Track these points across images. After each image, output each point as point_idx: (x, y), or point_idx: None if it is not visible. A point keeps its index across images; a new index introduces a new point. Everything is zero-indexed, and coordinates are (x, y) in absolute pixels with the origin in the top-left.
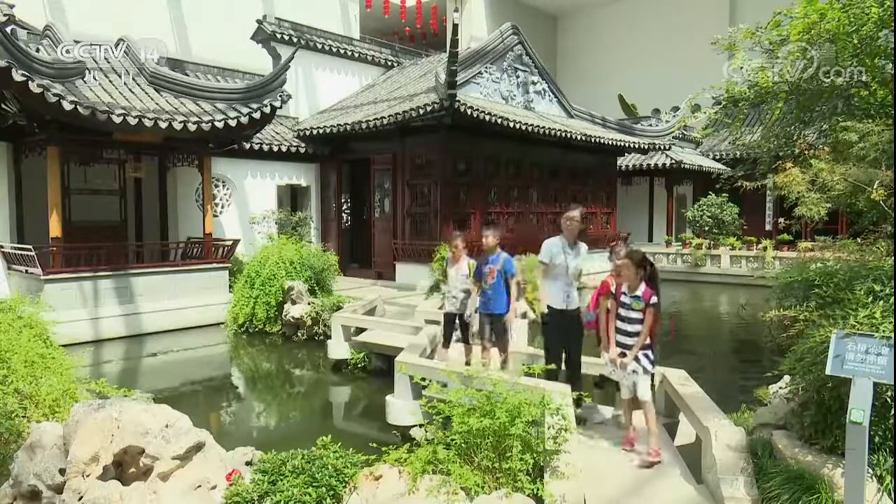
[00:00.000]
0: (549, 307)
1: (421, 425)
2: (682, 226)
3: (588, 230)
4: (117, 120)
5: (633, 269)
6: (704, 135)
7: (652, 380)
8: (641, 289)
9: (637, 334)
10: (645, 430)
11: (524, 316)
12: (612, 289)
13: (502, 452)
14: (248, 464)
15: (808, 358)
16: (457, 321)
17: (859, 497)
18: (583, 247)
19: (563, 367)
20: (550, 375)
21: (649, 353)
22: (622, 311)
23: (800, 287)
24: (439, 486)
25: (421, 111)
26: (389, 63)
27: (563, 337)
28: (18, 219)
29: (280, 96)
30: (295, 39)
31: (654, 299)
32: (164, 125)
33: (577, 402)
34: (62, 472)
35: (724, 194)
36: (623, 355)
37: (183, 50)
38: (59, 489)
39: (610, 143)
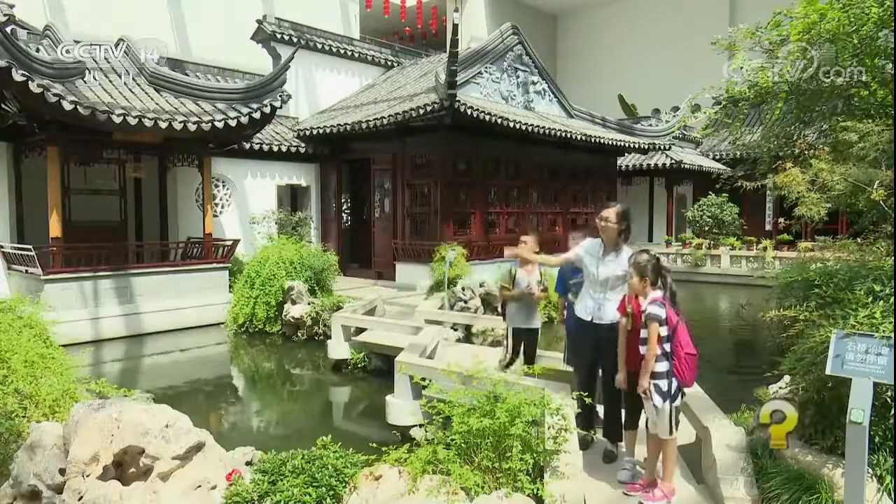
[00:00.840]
0: (574, 313)
1: (421, 425)
2: (682, 226)
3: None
4: (117, 120)
5: (636, 281)
6: (704, 135)
7: (675, 416)
8: (647, 300)
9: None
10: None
11: None
12: (629, 306)
13: (502, 452)
14: (248, 464)
15: (808, 358)
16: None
17: (859, 497)
18: (624, 254)
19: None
20: (584, 406)
21: (661, 383)
22: (643, 332)
23: (800, 287)
24: (439, 486)
25: (421, 111)
26: (389, 63)
27: (593, 355)
28: (18, 219)
29: (280, 96)
30: (295, 39)
31: (651, 309)
32: (164, 125)
33: (589, 413)
34: (62, 472)
35: (724, 194)
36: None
37: (183, 50)
38: (59, 489)
39: (610, 143)
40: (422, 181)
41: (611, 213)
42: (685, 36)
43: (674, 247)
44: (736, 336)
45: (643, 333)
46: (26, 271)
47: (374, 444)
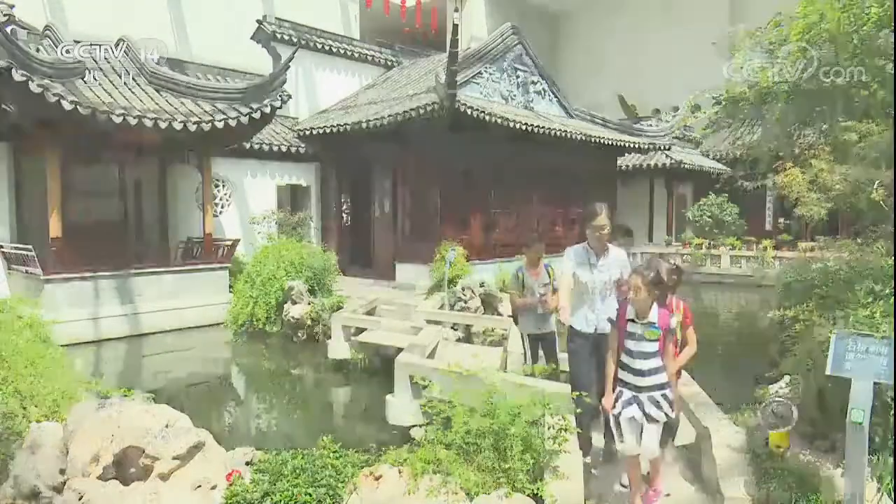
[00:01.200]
0: (571, 327)
1: (421, 425)
2: (682, 226)
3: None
4: (117, 120)
5: (643, 292)
6: (704, 135)
7: (671, 430)
8: (654, 313)
9: (653, 372)
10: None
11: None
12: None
13: (502, 452)
14: (248, 464)
15: (808, 358)
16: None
17: (859, 497)
18: (614, 255)
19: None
20: (583, 420)
21: (668, 392)
22: (630, 344)
23: (800, 287)
24: (439, 486)
25: (421, 111)
26: (389, 63)
27: (594, 367)
28: (18, 219)
29: (280, 96)
30: (295, 40)
31: (673, 322)
32: (164, 125)
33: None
34: (62, 472)
35: (724, 194)
36: (635, 399)
37: (183, 50)
38: (59, 489)
39: (610, 143)
40: (422, 181)
41: (604, 218)
42: (685, 36)
43: (674, 247)
44: (736, 336)
45: (643, 346)
46: (26, 271)
47: (374, 444)
